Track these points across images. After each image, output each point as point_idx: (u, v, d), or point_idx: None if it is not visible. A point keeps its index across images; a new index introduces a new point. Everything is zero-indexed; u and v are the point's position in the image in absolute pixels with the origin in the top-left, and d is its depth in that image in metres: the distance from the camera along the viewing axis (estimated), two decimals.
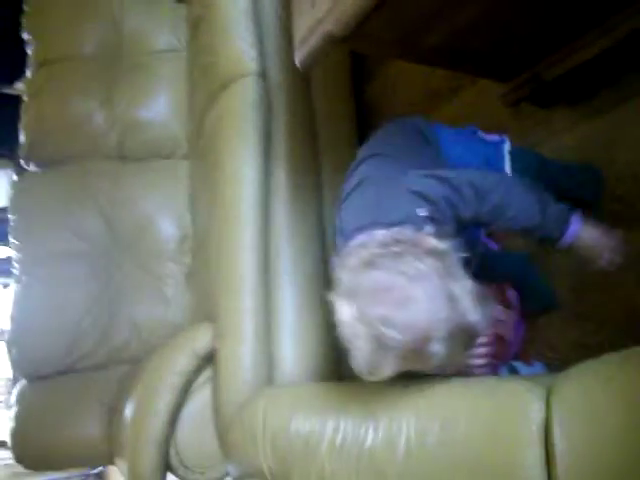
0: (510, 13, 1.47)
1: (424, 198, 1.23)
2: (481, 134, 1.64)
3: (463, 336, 1.15)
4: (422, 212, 1.21)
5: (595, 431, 0.97)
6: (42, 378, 2.65)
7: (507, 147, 1.59)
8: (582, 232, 1.29)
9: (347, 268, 1.15)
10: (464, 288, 1.11)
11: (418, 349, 1.14)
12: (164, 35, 3.03)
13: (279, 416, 1.70)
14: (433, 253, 1.11)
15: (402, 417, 1.30)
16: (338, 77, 2.59)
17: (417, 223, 1.19)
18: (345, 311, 1.13)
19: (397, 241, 1.13)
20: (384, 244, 1.13)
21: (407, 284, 1.09)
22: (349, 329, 1.13)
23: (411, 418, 1.27)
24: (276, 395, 1.82)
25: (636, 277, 1.56)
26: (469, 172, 1.32)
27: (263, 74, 2.35)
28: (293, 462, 1.58)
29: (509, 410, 1.13)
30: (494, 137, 1.63)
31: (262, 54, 2.38)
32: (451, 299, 1.09)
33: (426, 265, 1.10)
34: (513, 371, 1.83)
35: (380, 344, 1.11)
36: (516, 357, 1.93)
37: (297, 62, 1.58)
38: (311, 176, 2.36)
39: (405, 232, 1.15)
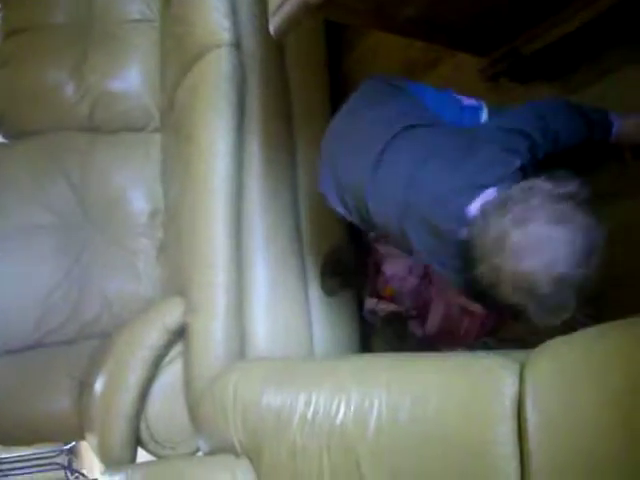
0: None
1: (514, 152, 1.32)
2: (459, 97, 1.66)
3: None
4: (516, 165, 1.30)
5: (569, 406, 0.96)
6: (11, 353, 2.60)
7: (484, 115, 1.61)
8: (624, 125, 1.44)
9: (503, 228, 1.17)
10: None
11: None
12: (136, 4, 2.94)
13: (250, 390, 1.69)
14: (566, 197, 1.17)
15: (374, 392, 1.29)
16: (312, 47, 2.55)
17: (514, 177, 1.28)
18: (525, 264, 1.14)
19: (532, 193, 1.18)
20: (523, 199, 1.18)
21: (565, 230, 1.14)
22: (527, 282, 1.15)
23: (382, 393, 1.27)
24: (248, 369, 1.81)
25: None
26: (529, 120, 1.38)
27: (237, 44, 2.30)
28: (264, 436, 1.57)
29: (482, 385, 1.12)
30: (472, 101, 1.64)
31: (236, 24, 2.33)
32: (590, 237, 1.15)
33: (569, 208, 1.16)
34: (487, 347, 1.83)
35: (562, 284, 1.13)
36: (490, 334, 1.93)
37: (271, 30, 1.54)
38: (285, 150, 2.33)
39: (530, 184, 1.21)
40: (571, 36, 1.57)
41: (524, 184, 1.22)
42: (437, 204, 1.32)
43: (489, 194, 1.26)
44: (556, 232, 1.14)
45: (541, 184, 1.19)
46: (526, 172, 1.32)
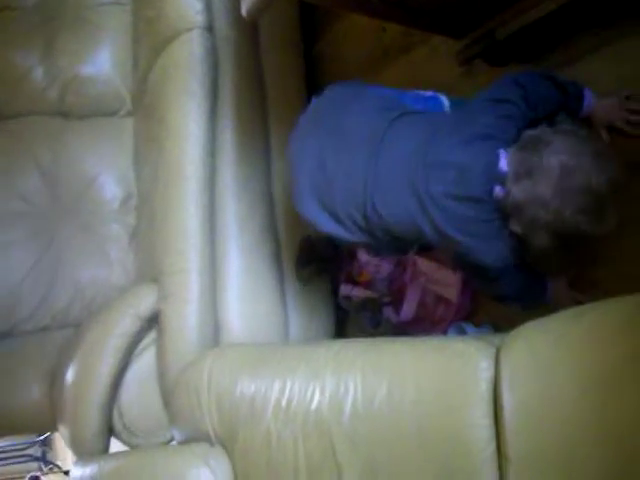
0: None
1: (509, 118, 1.38)
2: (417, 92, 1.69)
3: None
4: (514, 130, 1.37)
5: (544, 390, 0.96)
6: None
7: (445, 101, 1.65)
8: (598, 105, 1.50)
9: (546, 161, 1.27)
10: None
11: None
12: None
13: (224, 377, 1.67)
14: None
15: (349, 377, 1.29)
16: (287, 31, 2.52)
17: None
18: (574, 183, 1.25)
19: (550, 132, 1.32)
20: (546, 137, 1.31)
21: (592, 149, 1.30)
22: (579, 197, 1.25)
23: (358, 378, 1.26)
24: (222, 356, 1.79)
25: None
26: (512, 89, 1.43)
27: (210, 27, 2.27)
28: (238, 424, 1.55)
29: (457, 369, 1.12)
30: (430, 93, 1.67)
31: (208, 7, 2.29)
32: None
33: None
34: (461, 331, 1.83)
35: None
36: (465, 319, 1.93)
37: (243, 11, 1.51)
38: (258, 135, 2.30)
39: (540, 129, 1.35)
40: (545, 19, 1.56)
41: (535, 130, 1.34)
42: (463, 173, 1.33)
43: (506, 154, 1.33)
44: (587, 152, 1.28)
45: (549, 128, 1.34)
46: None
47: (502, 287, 1.49)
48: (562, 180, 1.25)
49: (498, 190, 1.31)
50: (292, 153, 1.64)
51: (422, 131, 1.42)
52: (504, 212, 1.33)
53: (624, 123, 1.51)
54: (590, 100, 1.50)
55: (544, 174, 1.25)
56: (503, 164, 1.32)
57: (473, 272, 1.50)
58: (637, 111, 1.51)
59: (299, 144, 1.62)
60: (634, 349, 0.87)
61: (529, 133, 1.34)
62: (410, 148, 1.39)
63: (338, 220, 1.51)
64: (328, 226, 1.55)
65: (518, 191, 1.27)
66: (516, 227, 1.34)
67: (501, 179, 1.31)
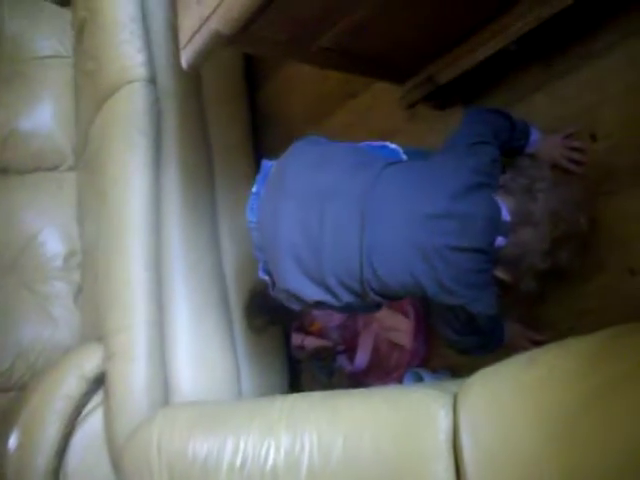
0: (399, 15, 1.43)
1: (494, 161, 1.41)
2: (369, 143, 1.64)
3: None
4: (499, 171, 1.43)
5: (504, 438, 0.94)
6: None
7: (399, 149, 1.60)
8: (541, 138, 1.55)
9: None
10: None
11: None
12: (48, 40, 2.86)
13: (175, 439, 1.60)
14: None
15: (304, 433, 1.25)
16: (230, 81, 2.52)
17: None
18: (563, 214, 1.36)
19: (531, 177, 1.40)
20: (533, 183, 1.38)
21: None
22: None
23: (313, 435, 1.22)
24: (171, 417, 1.72)
25: None
26: (480, 129, 1.47)
27: (152, 79, 2.24)
28: None
29: (415, 421, 1.09)
30: (379, 143, 1.62)
31: (151, 59, 2.27)
32: None
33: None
34: (418, 378, 1.80)
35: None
36: (421, 365, 1.91)
37: (183, 63, 1.49)
38: (204, 186, 2.27)
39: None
40: (485, 62, 1.58)
41: (515, 175, 1.41)
42: (466, 224, 1.31)
43: (505, 204, 1.36)
44: (570, 195, 1.38)
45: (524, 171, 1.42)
46: None
47: (480, 338, 1.48)
48: (557, 228, 1.32)
49: (500, 240, 1.33)
50: (264, 221, 1.49)
51: (411, 185, 1.37)
52: (497, 260, 1.35)
53: (566, 161, 1.55)
54: (535, 136, 1.54)
55: (541, 224, 1.32)
56: (505, 215, 1.34)
57: (459, 325, 1.43)
58: (578, 149, 1.54)
59: (270, 210, 1.46)
60: (591, 389, 0.86)
61: (513, 179, 1.40)
62: (404, 205, 1.34)
63: (327, 289, 1.40)
64: (316, 296, 1.43)
65: (519, 241, 1.33)
66: (505, 274, 1.39)
67: (503, 229, 1.33)
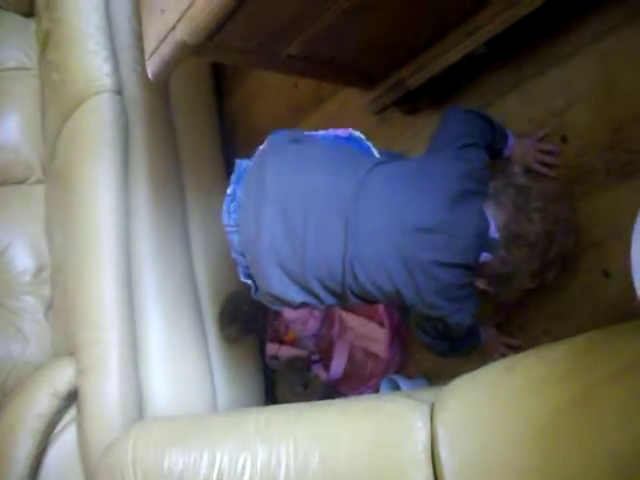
0: (366, 21, 1.43)
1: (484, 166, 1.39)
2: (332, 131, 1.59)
3: None
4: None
5: (483, 443, 0.94)
6: None
7: (361, 136, 1.56)
8: (516, 141, 1.54)
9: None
10: None
11: None
12: (12, 52, 2.81)
13: (150, 454, 1.58)
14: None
15: (280, 447, 1.23)
16: (198, 91, 2.51)
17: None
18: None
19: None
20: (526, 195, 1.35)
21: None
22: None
23: (290, 448, 1.21)
24: (146, 431, 1.70)
25: None
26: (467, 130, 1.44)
27: (119, 90, 2.22)
28: None
29: (392, 433, 1.08)
30: (342, 132, 1.57)
31: (117, 69, 2.25)
32: None
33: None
34: (394, 386, 1.79)
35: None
36: (397, 372, 1.91)
37: (149, 73, 1.47)
38: (174, 195, 2.25)
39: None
40: (453, 66, 1.58)
41: (507, 186, 1.36)
42: (454, 239, 1.28)
43: (494, 219, 1.32)
44: (563, 212, 1.36)
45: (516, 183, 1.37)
46: None
47: (456, 342, 1.47)
48: (550, 250, 1.31)
49: (485, 257, 1.31)
50: (245, 224, 1.43)
51: (398, 192, 1.33)
52: (480, 273, 1.34)
53: (539, 165, 1.54)
54: (511, 140, 1.54)
55: (535, 246, 1.30)
56: (493, 231, 1.30)
57: (436, 332, 1.42)
58: (549, 152, 1.54)
59: (251, 214, 1.41)
60: (570, 396, 0.86)
61: (504, 189, 1.35)
62: (390, 214, 1.30)
63: (309, 291, 1.39)
64: (299, 298, 1.41)
65: (509, 260, 1.31)
66: (487, 287, 1.38)
67: (490, 246, 1.30)
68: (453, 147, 1.38)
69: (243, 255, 1.46)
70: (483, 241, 1.29)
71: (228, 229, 1.47)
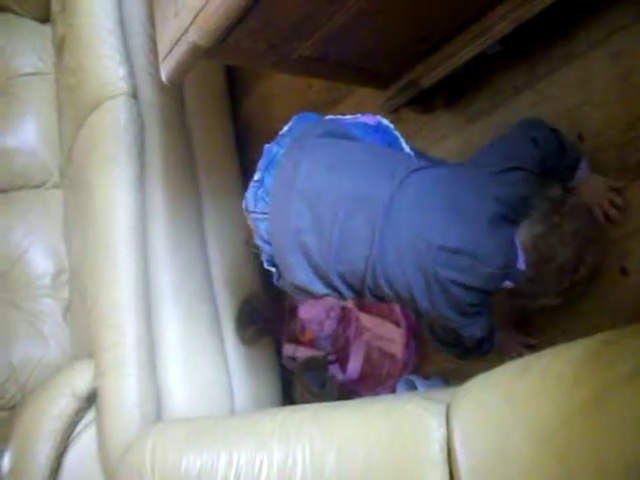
0: (379, 20, 1.43)
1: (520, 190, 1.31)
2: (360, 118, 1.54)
3: None
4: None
5: (499, 445, 0.93)
6: None
7: (390, 125, 1.53)
8: (588, 174, 1.45)
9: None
10: None
11: None
12: (29, 57, 2.85)
13: (168, 455, 1.59)
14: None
15: (297, 448, 1.24)
16: (213, 93, 2.52)
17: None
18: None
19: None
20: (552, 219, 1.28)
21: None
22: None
23: (306, 448, 1.21)
24: (165, 432, 1.71)
25: None
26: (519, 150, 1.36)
27: (134, 93, 2.23)
28: None
29: (408, 433, 1.08)
30: (369, 118, 1.53)
31: (131, 73, 2.26)
32: None
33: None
34: (411, 386, 1.79)
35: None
36: (413, 372, 1.90)
37: (162, 76, 1.48)
38: (190, 197, 2.26)
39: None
40: (467, 64, 1.58)
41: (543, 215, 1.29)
42: (478, 265, 1.24)
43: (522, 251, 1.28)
44: (589, 244, 1.31)
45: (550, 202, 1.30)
46: None
47: (468, 350, 1.47)
48: (576, 271, 1.29)
49: (507, 284, 1.30)
50: (274, 214, 1.41)
51: (429, 207, 1.30)
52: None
53: (601, 212, 1.47)
54: (585, 172, 1.45)
55: (561, 267, 1.27)
56: (521, 263, 1.27)
57: (448, 339, 1.44)
58: (617, 206, 1.47)
59: (281, 205, 1.40)
60: (586, 396, 0.85)
61: (544, 218, 1.28)
62: (418, 228, 1.28)
63: (330, 284, 1.39)
64: (320, 289, 1.42)
65: (536, 279, 1.30)
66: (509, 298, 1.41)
67: (514, 276, 1.28)
68: (501, 167, 1.30)
69: (269, 243, 1.44)
70: (508, 272, 1.27)
71: (253, 215, 1.44)
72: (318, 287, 1.41)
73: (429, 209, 1.29)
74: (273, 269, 1.48)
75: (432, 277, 1.25)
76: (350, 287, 1.39)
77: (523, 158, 1.31)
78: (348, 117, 1.53)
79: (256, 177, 1.45)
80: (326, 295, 1.44)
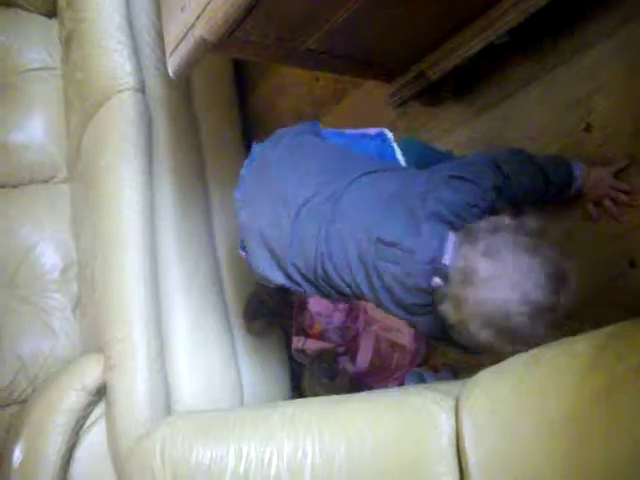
0: (386, 13, 1.42)
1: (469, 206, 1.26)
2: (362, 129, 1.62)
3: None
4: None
5: (508, 438, 0.94)
6: None
7: (391, 137, 1.57)
8: (586, 173, 1.42)
9: (472, 261, 1.16)
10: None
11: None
12: (36, 52, 2.84)
13: (178, 448, 1.59)
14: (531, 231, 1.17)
15: (306, 440, 1.24)
16: (220, 86, 2.52)
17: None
18: (496, 295, 1.12)
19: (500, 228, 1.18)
20: (490, 232, 1.18)
21: (533, 260, 1.13)
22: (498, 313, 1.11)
23: (315, 441, 1.22)
24: (174, 426, 1.71)
25: None
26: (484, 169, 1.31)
27: (141, 88, 2.24)
28: None
29: (417, 425, 1.08)
30: (374, 130, 1.59)
31: (139, 67, 2.27)
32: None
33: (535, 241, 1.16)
34: (420, 379, 1.80)
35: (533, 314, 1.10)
36: (422, 364, 1.90)
37: (169, 71, 1.49)
38: (198, 193, 2.27)
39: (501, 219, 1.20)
40: (475, 57, 1.57)
41: (490, 220, 1.21)
42: (410, 257, 1.23)
43: (452, 250, 1.21)
44: (525, 262, 1.12)
45: (506, 220, 1.19)
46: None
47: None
48: (491, 290, 1.13)
49: (436, 282, 1.21)
50: (245, 204, 1.54)
51: (375, 202, 1.32)
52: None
53: (611, 203, 1.45)
54: (580, 183, 1.43)
55: (474, 278, 1.14)
56: (447, 259, 1.21)
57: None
58: (626, 191, 1.43)
59: (250, 198, 1.53)
60: (594, 388, 0.85)
61: (482, 224, 1.21)
62: (361, 218, 1.31)
63: (288, 275, 1.47)
64: (280, 280, 1.50)
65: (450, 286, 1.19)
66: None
67: (442, 274, 1.20)
68: (449, 173, 1.30)
69: (241, 230, 1.57)
70: (436, 266, 1.21)
71: (236, 204, 1.58)
72: (279, 277, 1.49)
73: (372, 205, 1.32)
74: (243, 253, 1.61)
75: (371, 267, 1.28)
76: (305, 279, 1.44)
77: (480, 173, 1.29)
78: (349, 130, 1.63)
79: (242, 172, 1.59)
80: (285, 285, 1.50)
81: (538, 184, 1.35)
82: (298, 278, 1.45)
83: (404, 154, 1.55)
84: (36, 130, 2.73)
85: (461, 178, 1.27)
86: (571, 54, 1.56)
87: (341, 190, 1.36)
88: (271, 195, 1.46)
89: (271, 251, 1.46)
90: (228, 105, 2.54)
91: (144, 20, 2.38)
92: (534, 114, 1.60)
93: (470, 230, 1.20)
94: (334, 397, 1.38)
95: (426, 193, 1.27)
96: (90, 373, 2.02)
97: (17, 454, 2.03)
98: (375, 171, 1.39)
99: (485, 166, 1.30)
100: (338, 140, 1.57)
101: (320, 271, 1.38)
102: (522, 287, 1.10)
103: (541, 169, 1.35)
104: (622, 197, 1.44)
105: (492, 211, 1.29)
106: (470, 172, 1.28)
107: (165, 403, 1.95)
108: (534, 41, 1.61)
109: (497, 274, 1.12)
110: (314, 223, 1.36)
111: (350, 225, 1.32)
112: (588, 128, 1.53)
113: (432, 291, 1.22)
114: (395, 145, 1.56)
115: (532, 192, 1.36)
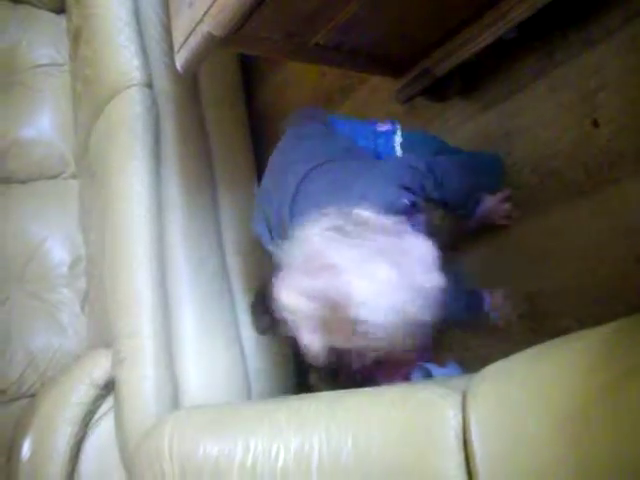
0: (394, 8, 1.43)
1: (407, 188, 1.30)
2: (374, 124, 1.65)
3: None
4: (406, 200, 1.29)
5: (515, 431, 0.93)
6: None
7: (398, 138, 1.60)
8: (481, 206, 1.61)
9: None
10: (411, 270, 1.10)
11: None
12: (44, 49, 2.87)
13: (186, 441, 1.61)
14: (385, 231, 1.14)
15: (313, 434, 1.24)
16: (227, 82, 2.52)
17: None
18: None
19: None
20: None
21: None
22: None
23: (322, 435, 1.22)
24: (182, 419, 1.72)
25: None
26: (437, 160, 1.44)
27: (149, 84, 2.24)
28: None
29: (424, 420, 1.08)
30: (386, 126, 1.63)
31: (146, 63, 2.27)
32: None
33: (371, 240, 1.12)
34: (427, 374, 1.80)
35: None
36: (429, 359, 1.90)
37: (178, 66, 1.49)
38: (205, 188, 2.27)
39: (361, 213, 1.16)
40: (482, 53, 1.57)
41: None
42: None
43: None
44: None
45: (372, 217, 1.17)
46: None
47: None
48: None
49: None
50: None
51: (327, 182, 1.39)
52: None
53: (504, 219, 1.68)
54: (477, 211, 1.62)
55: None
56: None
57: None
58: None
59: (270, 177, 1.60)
60: (600, 384, 0.85)
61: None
62: (340, 179, 1.38)
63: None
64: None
65: None
66: None
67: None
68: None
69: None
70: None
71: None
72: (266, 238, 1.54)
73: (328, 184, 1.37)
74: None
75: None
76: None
77: (432, 166, 1.38)
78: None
79: None
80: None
81: (467, 187, 1.51)
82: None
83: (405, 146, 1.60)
84: (45, 126, 2.75)
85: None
86: (579, 49, 1.56)
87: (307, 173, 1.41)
88: (273, 172, 1.56)
89: (267, 219, 1.52)
90: (235, 100, 2.54)
91: (152, 16, 2.38)
92: (540, 110, 1.60)
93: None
94: (340, 392, 1.38)
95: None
96: (98, 368, 2.04)
97: (26, 447, 2.05)
98: (356, 157, 1.50)
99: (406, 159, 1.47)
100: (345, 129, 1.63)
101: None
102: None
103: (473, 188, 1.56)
104: (514, 213, 1.67)
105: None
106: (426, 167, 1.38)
107: (173, 397, 1.96)
108: (541, 36, 1.61)
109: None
110: (290, 186, 1.42)
111: (328, 184, 1.37)
112: (595, 123, 1.52)
113: None
114: (396, 141, 1.60)
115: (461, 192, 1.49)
